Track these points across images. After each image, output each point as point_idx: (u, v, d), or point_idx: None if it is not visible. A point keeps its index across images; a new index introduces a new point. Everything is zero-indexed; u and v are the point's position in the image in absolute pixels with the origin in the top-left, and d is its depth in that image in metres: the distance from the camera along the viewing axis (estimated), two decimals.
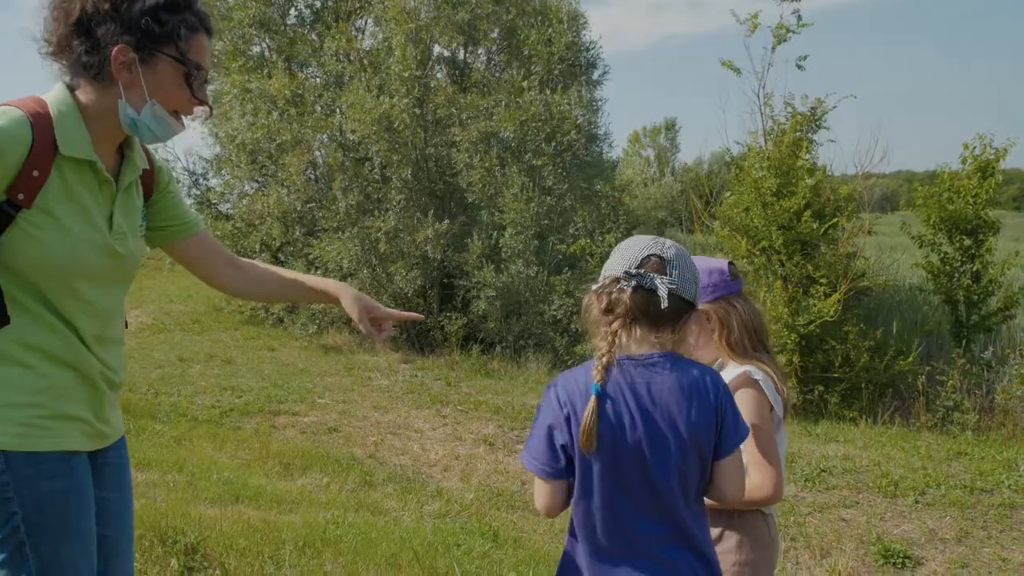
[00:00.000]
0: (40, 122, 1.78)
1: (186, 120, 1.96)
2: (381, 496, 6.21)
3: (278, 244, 16.23)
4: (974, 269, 11.09)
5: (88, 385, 1.93)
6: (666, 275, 1.80)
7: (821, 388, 10.94)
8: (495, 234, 14.09)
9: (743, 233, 11.32)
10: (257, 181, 17.33)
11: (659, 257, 1.82)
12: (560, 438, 1.82)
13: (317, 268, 15.01)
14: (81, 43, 1.83)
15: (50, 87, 1.89)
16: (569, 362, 13.34)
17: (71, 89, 1.88)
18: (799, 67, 10.72)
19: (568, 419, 1.80)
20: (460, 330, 14.10)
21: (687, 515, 1.83)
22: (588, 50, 15.38)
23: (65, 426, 1.88)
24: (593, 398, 1.76)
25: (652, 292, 1.78)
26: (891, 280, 13.59)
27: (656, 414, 1.78)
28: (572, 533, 1.93)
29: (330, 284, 2.42)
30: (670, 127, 73.61)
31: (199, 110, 1.97)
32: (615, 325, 1.79)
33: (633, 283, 1.78)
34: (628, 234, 15.05)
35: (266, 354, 13.57)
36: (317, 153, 15.64)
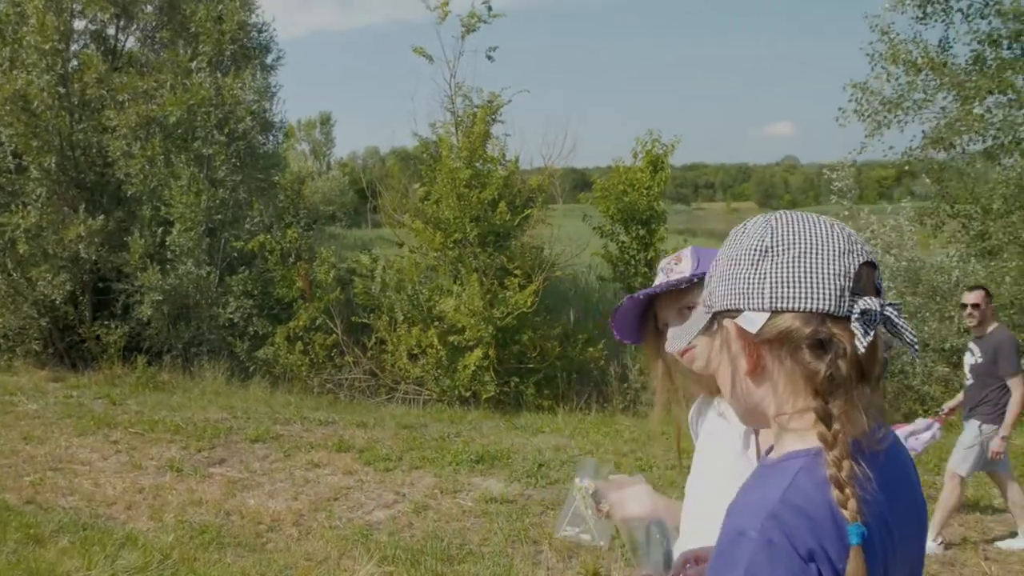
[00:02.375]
0: None
1: None
2: (55, 554, 5.04)
3: None
4: (648, 257, 11.74)
5: None
6: (883, 296, 1.09)
7: (517, 379, 11.00)
8: (160, 231, 12.65)
9: (436, 226, 11.08)
10: None
11: (871, 265, 1.08)
12: None
13: None
14: None
15: None
16: (251, 368, 12.32)
17: None
18: (489, 58, 10.66)
19: None
20: (120, 340, 12.54)
21: None
22: (261, 32, 14.33)
23: None
24: (855, 551, 0.95)
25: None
26: (574, 269, 14.09)
27: (908, 526, 1.10)
28: None
29: None
30: (325, 121, 72.93)
31: None
32: (843, 403, 1.01)
33: (873, 327, 1.02)
34: (309, 228, 14.31)
35: None
36: None
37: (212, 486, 6.87)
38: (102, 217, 12.38)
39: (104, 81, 12.50)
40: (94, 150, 12.89)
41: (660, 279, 1.84)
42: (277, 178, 14.06)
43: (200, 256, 12.56)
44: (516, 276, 10.78)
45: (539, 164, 12.46)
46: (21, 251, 12.11)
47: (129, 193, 12.66)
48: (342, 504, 6.49)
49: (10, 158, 12.68)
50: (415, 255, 11.96)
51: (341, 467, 7.43)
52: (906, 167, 11.39)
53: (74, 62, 12.87)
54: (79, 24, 13.50)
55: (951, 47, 11.43)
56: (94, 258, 12.45)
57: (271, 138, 14.44)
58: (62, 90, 12.21)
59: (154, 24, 13.96)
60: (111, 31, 14.22)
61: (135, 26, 14.06)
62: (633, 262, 11.76)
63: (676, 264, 1.83)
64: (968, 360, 5.69)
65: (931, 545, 5.34)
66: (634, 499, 1.93)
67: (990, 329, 5.59)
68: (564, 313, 12.92)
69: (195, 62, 12.81)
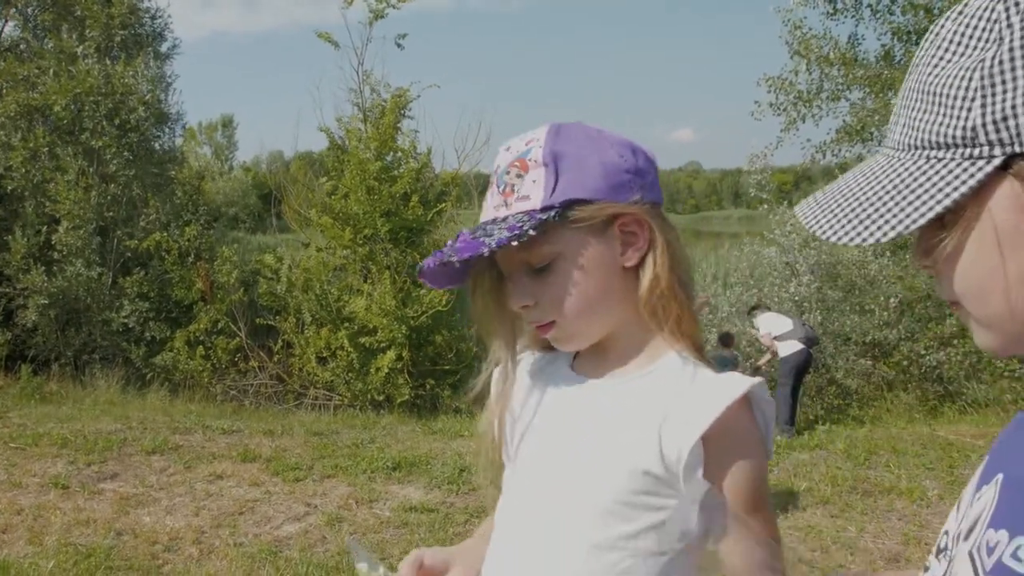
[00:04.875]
0: None
1: None
2: None
3: None
4: None
5: None
6: None
7: (432, 382, 10.59)
8: (45, 229, 11.78)
9: (345, 222, 10.58)
10: None
11: None
12: None
13: None
14: None
15: None
16: (148, 376, 11.58)
17: None
18: (398, 45, 10.22)
19: None
20: (3, 348, 11.63)
21: None
22: (155, 18, 13.54)
23: None
24: None
25: None
26: None
27: None
28: None
29: None
30: (227, 124, 71.21)
31: None
32: None
33: None
34: (209, 227, 13.58)
35: None
36: None
37: (102, 503, 6.24)
38: None
39: None
40: None
41: (491, 195, 1.14)
42: (174, 173, 13.29)
43: (90, 256, 11.76)
44: None
45: (452, 159, 12.12)
46: None
47: (9, 188, 11.76)
48: (248, 519, 5.96)
49: None
50: (323, 253, 11.44)
51: (247, 478, 6.88)
52: (821, 160, 11.42)
53: None
54: None
55: (861, 43, 11.53)
56: None
57: (167, 131, 13.67)
58: None
59: (35, 7, 13.04)
60: None
61: (14, 9, 13.10)
62: None
63: (518, 176, 1.10)
64: None
65: None
66: (432, 557, 1.29)
67: None
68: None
69: (81, 48, 11.98)
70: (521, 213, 1.07)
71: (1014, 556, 0.63)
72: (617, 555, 1.07)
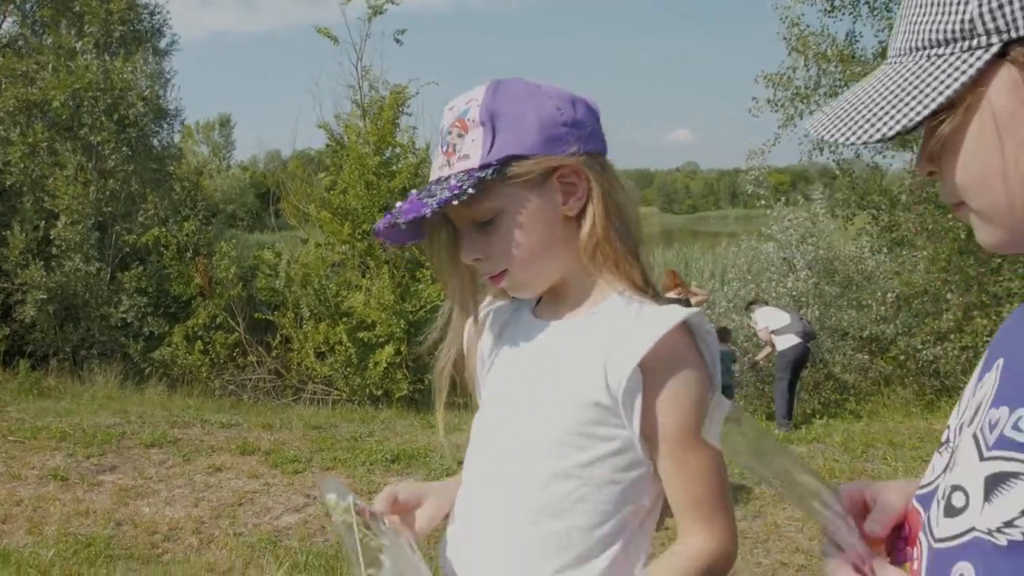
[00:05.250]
0: None
1: None
2: None
3: None
4: None
5: None
6: None
7: (430, 377, 10.57)
8: (43, 224, 11.78)
9: (343, 217, 10.59)
10: None
11: None
12: None
13: None
14: None
15: None
16: (147, 371, 11.59)
17: None
18: (397, 41, 10.23)
19: None
20: (1, 342, 11.63)
21: None
22: (154, 14, 13.56)
23: None
24: None
25: None
26: None
27: None
28: None
29: None
30: (224, 123, 71.12)
31: None
32: None
33: None
34: (208, 222, 13.59)
35: None
36: None
37: (102, 495, 6.25)
38: None
39: None
40: None
41: (436, 155, 1.20)
42: (172, 169, 13.29)
43: (89, 251, 11.76)
44: (428, 268, 10.39)
45: None
46: None
47: (8, 183, 11.77)
48: (247, 509, 5.98)
49: None
50: (321, 249, 11.45)
51: (246, 471, 6.89)
52: (818, 156, 11.46)
53: None
54: None
55: (859, 40, 11.56)
56: None
57: (166, 127, 13.67)
58: None
59: (33, 3, 13.05)
60: None
61: (12, 5, 13.11)
62: None
63: (459, 136, 1.15)
64: None
65: None
66: (406, 492, 1.36)
67: None
68: None
69: (80, 44, 11.99)
70: (462, 172, 1.13)
71: (1015, 427, 0.67)
72: (573, 483, 1.14)
